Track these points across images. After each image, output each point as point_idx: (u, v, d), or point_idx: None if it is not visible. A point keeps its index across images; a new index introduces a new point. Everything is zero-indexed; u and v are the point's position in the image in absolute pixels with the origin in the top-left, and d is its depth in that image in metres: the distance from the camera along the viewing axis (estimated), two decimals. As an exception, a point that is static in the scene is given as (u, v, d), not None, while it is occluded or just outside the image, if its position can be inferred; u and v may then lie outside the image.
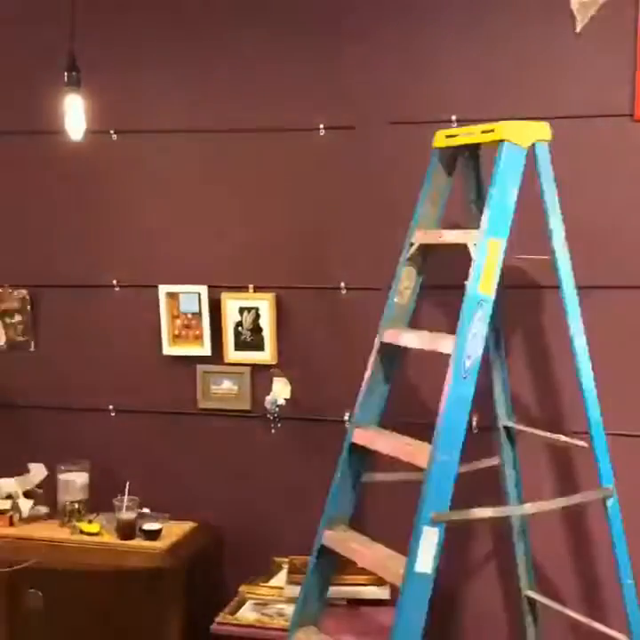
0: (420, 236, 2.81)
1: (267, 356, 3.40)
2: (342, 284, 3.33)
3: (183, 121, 3.43)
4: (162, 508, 3.42)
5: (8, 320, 3.65)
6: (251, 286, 3.41)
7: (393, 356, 2.83)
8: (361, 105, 3.27)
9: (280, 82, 3.34)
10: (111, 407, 3.59)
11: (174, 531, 3.36)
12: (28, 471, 3.52)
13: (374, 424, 2.82)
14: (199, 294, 3.43)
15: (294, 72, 3.32)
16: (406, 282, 2.84)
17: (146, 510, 3.39)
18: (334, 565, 2.86)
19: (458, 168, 2.86)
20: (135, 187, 3.52)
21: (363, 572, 3.18)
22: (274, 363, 3.41)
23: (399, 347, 2.79)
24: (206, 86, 3.41)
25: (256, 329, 3.40)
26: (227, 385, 3.47)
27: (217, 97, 3.40)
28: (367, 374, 2.84)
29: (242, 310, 3.40)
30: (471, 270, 2.50)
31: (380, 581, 3.12)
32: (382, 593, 3.10)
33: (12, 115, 3.57)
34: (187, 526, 3.42)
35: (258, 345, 3.40)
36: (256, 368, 3.44)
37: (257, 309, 3.39)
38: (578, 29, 3.07)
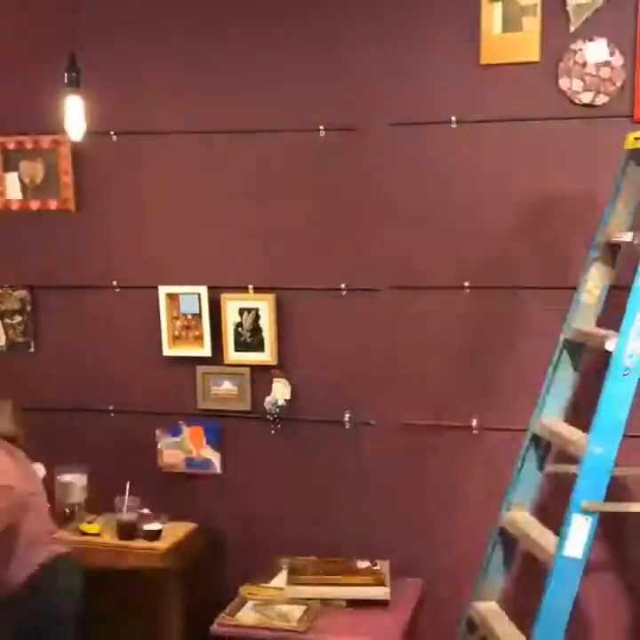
0: (605, 236, 2.84)
1: (267, 356, 3.40)
2: (342, 285, 3.33)
3: (183, 122, 3.43)
4: (162, 509, 3.42)
5: (8, 320, 3.65)
6: (250, 287, 3.41)
7: (576, 351, 2.89)
8: (361, 106, 3.27)
9: (280, 82, 3.34)
10: (111, 407, 3.59)
11: (174, 531, 3.36)
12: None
13: (560, 418, 2.90)
14: (199, 295, 3.43)
15: (295, 72, 3.32)
16: (593, 281, 2.88)
17: (146, 511, 3.39)
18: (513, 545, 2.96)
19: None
20: (135, 188, 3.52)
21: (362, 572, 3.20)
22: (274, 363, 3.41)
23: (582, 343, 2.85)
24: (206, 87, 3.41)
25: (256, 330, 3.40)
26: (227, 386, 3.47)
27: (217, 98, 3.40)
28: (550, 369, 2.91)
29: (242, 311, 3.40)
30: (637, 270, 2.53)
31: (379, 581, 3.13)
32: (382, 593, 3.10)
33: (11, 115, 3.56)
34: (187, 527, 3.42)
35: (258, 346, 3.40)
36: (256, 369, 3.44)
37: (257, 310, 3.39)
38: (571, 30, 3.07)
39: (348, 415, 3.34)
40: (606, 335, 2.65)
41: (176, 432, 3.55)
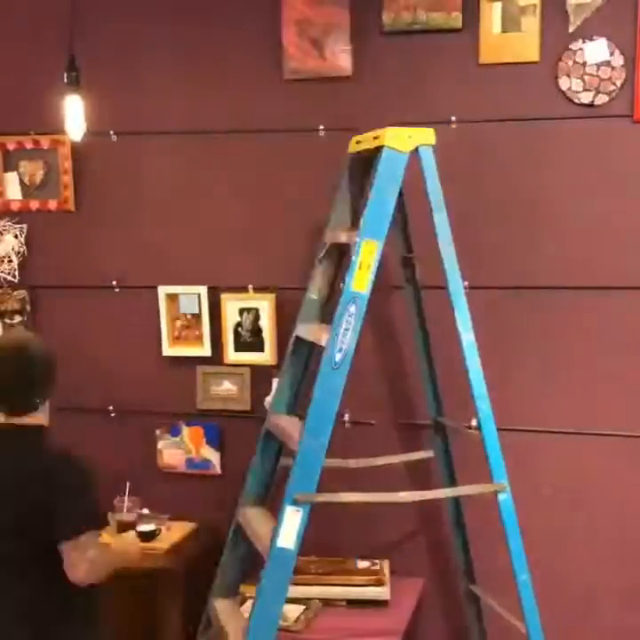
0: (329, 237, 2.94)
1: (266, 356, 3.40)
2: (342, 285, 3.32)
3: (183, 122, 3.43)
4: (162, 509, 3.42)
5: (8, 321, 3.65)
6: (250, 287, 3.41)
7: (302, 348, 2.95)
8: (361, 106, 3.26)
9: (280, 82, 3.33)
10: (111, 407, 3.59)
11: (174, 531, 3.36)
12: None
13: (285, 412, 2.98)
14: (199, 295, 3.43)
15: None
16: (319, 280, 2.97)
17: (145, 511, 3.39)
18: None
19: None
20: (135, 188, 3.52)
21: (362, 572, 3.20)
22: (274, 363, 3.40)
23: (306, 340, 2.91)
24: (206, 87, 3.41)
25: (256, 330, 3.40)
26: (226, 386, 3.47)
27: (217, 98, 3.39)
28: (283, 367, 2.99)
29: (241, 311, 3.40)
30: (348, 269, 2.62)
31: (379, 581, 3.12)
32: (382, 593, 3.10)
33: (11, 115, 3.56)
34: (187, 527, 3.43)
35: (258, 346, 3.40)
36: (256, 369, 3.44)
37: (257, 310, 3.39)
38: (570, 30, 3.07)
39: (347, 415, 3.33)
40: (321, 331, 2.75)
41: (176, 432, 3.55)
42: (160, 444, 3.56)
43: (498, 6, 3.11)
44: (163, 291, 3.47)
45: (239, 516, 2.97)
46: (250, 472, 3.00)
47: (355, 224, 2.84)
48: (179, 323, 3.48)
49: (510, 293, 3.19)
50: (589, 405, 3.18)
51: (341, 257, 2.95)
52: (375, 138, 2.72)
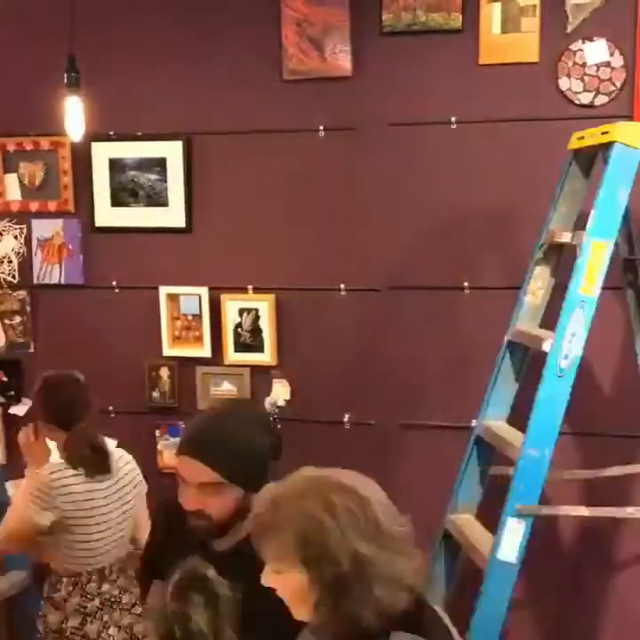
0: (548, 236, 2.80)
1: (266, 357, 3.40)
2: (342, 286, 3.33)
3: (182, 123, 3.42)
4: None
5: (7, 321, 3.65)
6: (250, 287, 3.41)
7: (518, 352, 2.84)
8: (360, 106, 3.27)
9: (280, 83, 3.33)
10: (111, 408, 3.60)
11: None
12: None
13: (503, 420, 2.84)
14: (199, 296, 3.43)
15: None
16: (539, 281, 2.83)
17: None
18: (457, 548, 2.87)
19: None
20: (135, 188, 3.52)
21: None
22: (273, 364, 3.41)
23: (523, 345, 2.79)
24: (205, 88, 3.41)
25: (256, 330, 3.40)
26: (226, 386, 3.47)
27: (216, 99, 3.39)
28: (494, 371, 2.85)
29: (241, 311, 3.40)
30: (573, 270, 2.50)
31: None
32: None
33: (11, 116, 3.56)
34: (187, 527, 3.42)
35: (257, 346, 3.40)
36: (255, 369, 3.44)
37: (257, 311, 3.39)
38: (568, 30, 3.07)
39: (347, 415, 3.34)
40: (543, 336, 2.61)
41: (176, 432, 3.55)
42: (160, 444, 3.56)
43: (497, 7, 3.11)
44: (163, 291, 3.47)
45: (446, 523, 2.86)
46: (459, 479, 2.90)
47: (578, 224, 2.69)
48: (179, 323, 3.48)
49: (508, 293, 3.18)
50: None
51: (559, 258, 2.82)
52: (604, 133, 2.57)
